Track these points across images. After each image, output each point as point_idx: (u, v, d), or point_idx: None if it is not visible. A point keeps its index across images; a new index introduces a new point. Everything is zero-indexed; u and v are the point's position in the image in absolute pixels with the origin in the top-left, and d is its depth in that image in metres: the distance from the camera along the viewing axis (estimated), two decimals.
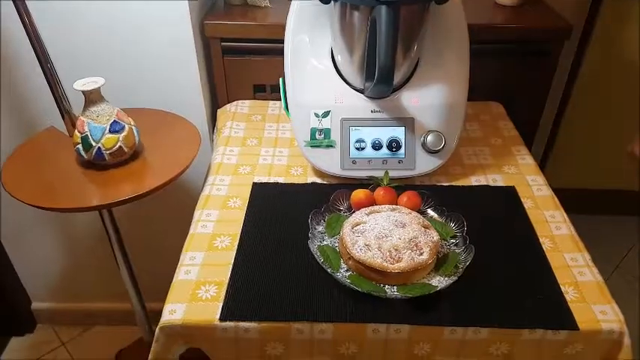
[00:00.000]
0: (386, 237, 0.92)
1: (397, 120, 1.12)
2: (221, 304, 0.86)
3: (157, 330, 0.85)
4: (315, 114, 1.12)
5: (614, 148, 1.90)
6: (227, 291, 0.89)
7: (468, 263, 0.91)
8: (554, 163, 1.92)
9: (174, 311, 0.85)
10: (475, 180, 1.16)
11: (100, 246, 1.68)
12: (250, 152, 1.25)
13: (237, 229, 1.01)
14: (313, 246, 0.95)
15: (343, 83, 1.12)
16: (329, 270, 0.90)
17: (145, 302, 1.50)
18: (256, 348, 0.87)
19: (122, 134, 1.05)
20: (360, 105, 1.12)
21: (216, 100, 1.48)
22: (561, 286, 0.90)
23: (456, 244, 0.98)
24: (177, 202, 1.57)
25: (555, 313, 0.86)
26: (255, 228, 1.01)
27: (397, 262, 0.89)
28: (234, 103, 1.44)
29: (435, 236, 0.94)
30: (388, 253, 0.89)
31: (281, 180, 1.15)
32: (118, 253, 1.31)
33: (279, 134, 1.31)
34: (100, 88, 1.03)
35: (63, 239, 1.72)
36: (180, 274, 0.92)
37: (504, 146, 1.27)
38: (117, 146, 1.04)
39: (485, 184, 1.14)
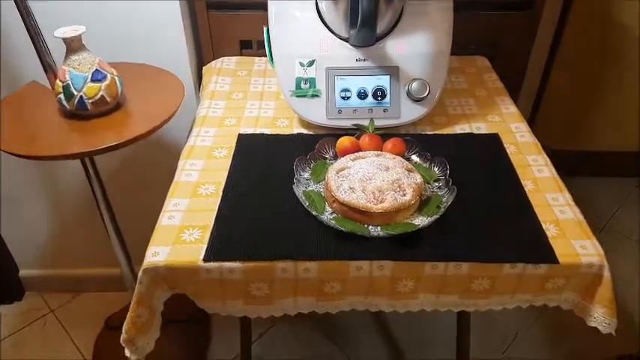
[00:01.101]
0: (370, 179, 0.93)
1: (382, 68, 1.12)
2: (205, 245, 0.87)
3: (140, 272, 0.86)
4: (300, 63, 1.11)
5: (600, 108, 1.91)
6: (211, 234, 0.90)
7: (449, 203, 0.92)
8: (542, 122, 1.93)
9: (157, 253, 0.86)
10: (459, 129, 1.16)
11: (88, 212, 1.68)
12: (236, 105, 1.24)
13: (222, 177, 1.02)
14: (298, 191, 0.96)
15: (328, 32, 1.12)
16: (314, 212, 0.91)
17: (134, 266, 1.50)
18: (241, 289, 0.88)
19: (104, 83, 1.04)
20: (345, 54, 1.12)
21: (202, 57, 1.47)
22: (542, 224, 0.91)
23: (439, 187, 0.99)
24: (165, 165, 1.56)
25: (536, 248, 0.87)
26: (240, 176, 1.02)
27: (380, 202, 0.90)
28: (220, 59, 1.43)
29: (419, 179, 0.95)
30: (372, 195, 0.90)
31: (267, 131, 1.15)
32: (105, 213, 1.31)
33: (266, 88, 1.31)
34: (80, 35, 1.02)
35: (51, 206, 1.72)
36: (164, 220, 0.93)
37: (489, 97, 1.27)
38: (99, 95, 1.03)
39: (469, 132, 1.15)
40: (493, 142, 1.12)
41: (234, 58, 1.43)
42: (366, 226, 0.91)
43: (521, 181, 1.01)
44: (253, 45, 1.45)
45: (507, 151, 1.09)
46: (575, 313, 0.93)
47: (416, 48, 1.11)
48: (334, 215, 0.93)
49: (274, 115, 1.21)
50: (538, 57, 1.51)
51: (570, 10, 1.65)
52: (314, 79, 1.12)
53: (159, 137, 1.54)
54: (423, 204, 0.95)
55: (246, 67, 1.40)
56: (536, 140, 1.12)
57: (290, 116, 1.20)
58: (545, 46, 1.55)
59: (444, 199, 0.95)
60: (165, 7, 1.33)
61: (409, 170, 0.97)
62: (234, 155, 1.08)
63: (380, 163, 0.96)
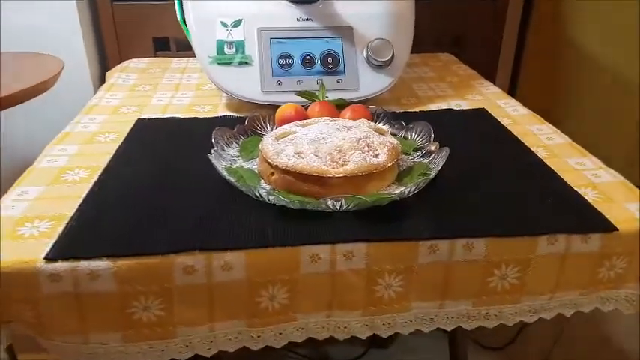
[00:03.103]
0: (325, 139, 0.62)
1: (332, 30, 0.86)
2: (53, 240, 0.52)
3: None
4: (222, 23, 0.84)
5: (577, 98, 1.66)
6: (67, 224, 0.54)
7: (440, 166, 0.62)
8: None
9: None
10: (436, 107, 0.90)
11: None
12: (140, 95, 0.94)
13: (101, 162, 0.68)
14: (219, 165, 0.64)
15: None
16: (242, 187, 0.58)
17: None
18: (115, 309, 0.51)
19: None
20: (283, 12, 0.86)
21: (106, 59, 1.18)
22: (576, 189, 0.62)
23: (423, 156, 0.70)
24: None
25: (579, 214, 0.58)
26: (129, 159, 0.69)
27: (342, 166, 0.59)
28: (127, 62, 1.14)
29: (394, 140, 0.66)
30: (329, 157, 0.60)
31: (179, 117, 0.84)
32: None
33: (184, 81, 1.02)
34: None
35: None
36: None
37: (463, 81, 1.04)
38: None
39: (448, 108, 0.89)
40: (482, 115, 0.86)
41: (146, 60, 1.15)
42: (322, 200, 0.59)
43: (531, 148, 0.73)
44: (171, 45, 1.18)
45: (502, 123, 0.82)
46: None
47: (373, 4, 0.88)
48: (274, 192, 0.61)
49: (192, 102, 0.91)
50: (507, 49, 1.32)
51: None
52: (242, 42, 0.84)
53: None
54: (403, 174, 0.65)
55: (160, 65, 1.11)
56: (534, 112, 0.87)
57: (214, 102, 0.90)
58: (513, 35, 1.35)
59: (432, 166, 0.66)
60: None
61: (380, 132, 0.68)
62: (125, 139, 0.75)
63: (338, 124, 0.66)
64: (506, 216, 0.57)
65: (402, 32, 0.88)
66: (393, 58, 0.85)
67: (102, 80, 1.15)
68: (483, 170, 0.66)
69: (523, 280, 0.56)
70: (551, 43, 1.42)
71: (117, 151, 0.71)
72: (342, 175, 0.58)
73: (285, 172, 0.60)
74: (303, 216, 0.56)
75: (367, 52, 0.85)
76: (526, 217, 0.57)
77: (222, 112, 0.87)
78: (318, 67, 0.85)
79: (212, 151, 0.65)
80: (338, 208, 0.56)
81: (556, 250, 0.55)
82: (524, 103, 0.91)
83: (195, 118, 0.83)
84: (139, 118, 0.82)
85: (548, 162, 0.69)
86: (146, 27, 1.15)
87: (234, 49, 0.84)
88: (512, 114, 0.86)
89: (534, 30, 1.38)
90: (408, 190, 0.58)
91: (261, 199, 0.57)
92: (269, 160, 0.61)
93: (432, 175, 0.61)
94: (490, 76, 1.19)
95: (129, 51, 1.16)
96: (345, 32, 0.86)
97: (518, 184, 0.63)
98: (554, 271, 0.56)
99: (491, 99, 0.93)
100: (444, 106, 0.90)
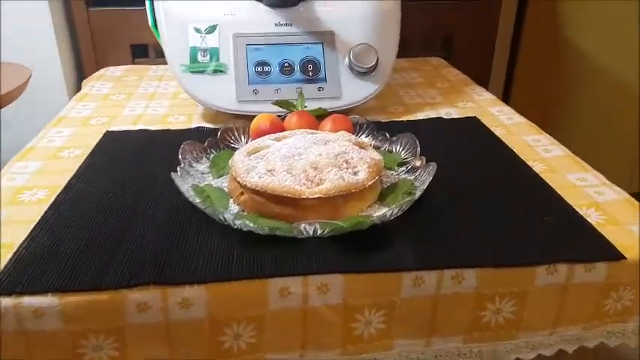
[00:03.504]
0: (299, 155, 0.57)
1: (312, 35, 0.81)
2: None
3: None
4: (195, 29, 0.79)
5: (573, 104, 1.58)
6: (15, 254, 0.49)
7: (427, 184, 0.57)
8: None
9: None
10: (424, 116, 0.85)
11: None
12: (112, 104, 0.88)
13: (62, 180, 0.63)
14: (184, 184, 0.58)
15: None
16: (206, 210, 0.53)
17: None
18: (64, 349, 0.46)
19: None
20: (259, 17, 0.81)
21: (82, 67, 1.13)
22: (577, 209, 0.57)
23: (408, 172, 0.64)
24: None
25: (582, 239, 0.52)
26: (91, 177, 0.63)
27: (318, 185, 0.54)
28: (104, 70, 1.09)
29: (376, 155, 0.60)
30: (304, 175, 0.54)
31: (151, 128, 0.79)
32: None
33: (160, 90, 0.97)
34: None
35: None
36: None
37: (454, 87, 0.99)
38: None
39: (437, 117, 0.84)
40: (473, 125, 0.80)
41: (122, 68, 1.09)
42: (295, 224, 0.53)
43: (527, 162, 0.68)
44: (150, 51, 1.13)
45: (496, 133, 0.77)
46: None
47: (355, 7, 0.82)
48: (243, 214, 0.55)
49: (166, 112, 0.86)
50: (501, 51, 1.26)
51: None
52: (216, 49, 0.79)
53: None
54: (385, 193, 0.59)
55: (138, 73, 1.06)
56: (529, 121, 0.82)
57: (189, 112, 0.85)
58: (507, 36, 1.29)
59: (417, 183, 0.60)
60: (30, 6, 1.01)
61: (360, 146, 0.62)
62: (89, 154, 0.69)
63: (316, 138, 0.61)
64: (499, 243, 0.51)
65: (387, 36, 0.83)
66: (377, 64, 0.80)
67: (78, 89, 1.10)
68: (474, 188, 0.61)
69: (520, 314, 0.51)
70: (547, 45, 1.37)
71: (79, 168, 0.65)
72: (317, 195, 0.53)
73: (256, 192, 0.54)
74: (273, 243, 0.50)
75: (350, 58, 0.80)
76: (522, 244, 0.51)
77: (196, 122, 0.81)
78: (297, 74, 0.80)
79: (178, 168, 0.60)
80: (312, 233, 0.51)
81: (557, 281, 0.50)
82: (519, 108, 0.86)
83: (166, 130, 0.78)
84: (107, 131, 0.77)
85: (546, 177, 0.64)
86: (123, 33, 1.10)
87: (208, 57, 0.78)
88: (507, 123, 0.81)
89: (529, 31, 1.32)
90: (390, 212, 0.52)
91: (227, 223, 0.52)
92: (238, 179, 0.56)
93: (417, 194, 0.56)
94: (483, 80, 1.14)
95: (106, 58, 1.11)
96: (326, 37, 0.81)
97: (514, 204, 0.58)
98: (554, 304, 0.51)
99: (484, 106, 0.88)
100: (433, 114, 0.85)
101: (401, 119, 0.83)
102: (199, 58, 0.78)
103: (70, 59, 1.12)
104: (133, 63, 1.13)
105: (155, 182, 0.61)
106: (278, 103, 0.73)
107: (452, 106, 0.88)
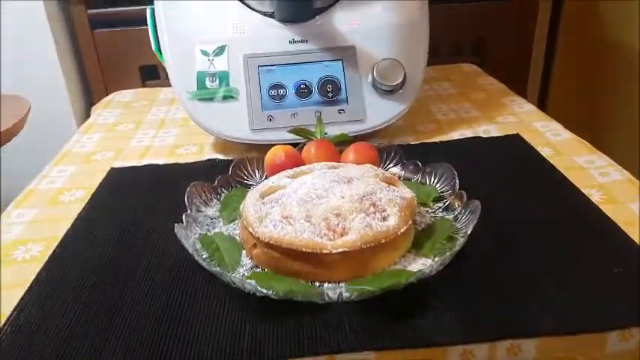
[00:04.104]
0: (319, 198, 0.49)
1: (330, 51, 0.73)
2: None
3: None
4: (202, 51, 0.72)
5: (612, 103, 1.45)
6: (3, 328, 0.43)
7: (470, 230, 0.48)
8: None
9: None
10: (459, 135, 0.76)
11: None
12: (118, 136, 0.83)
13: (59, 231, 0.57)
14: (191, 233, 0.51)
15: (244, 6, 0.74)
16: (212, 269, 0.46)
17: None
18: None
19: None
20: (272, 34, 0.74)
21: (91, 92, 1.08)
22: None
23: (446, 209, 0.56)
24: None
25: None
26: (88, 228, 0.57)
27: (341, 235, 0.46)
28: (113, 94, 1.03)
29: (407, 193, 0.52)
30: (324, 223, 0.47)
31: (160, 162, 0.73)
32: None
33: (170, 115, 0.91)
34: None
35: None
36: None
37: (491, 98, 0.89)
38: None
39: (474, 136, 0.75)
40: (516, 144, 0.71)
41: (132, 92, 1.04)
42: (316, 284, 0.46)
43: (581, 192, 0.59)
44: (160, 72, 1.07)
45: (541, 154, 0.68)
46: None
47: (377, 18, 0.74)
48: (255, 271, 0.48)
49: (175, 141, 0.79)
50: (537, 54, 1.15)
51: None
52: (226, 73, 0.72)
53: None
54: (420, 238, 0.51)
55: (148, 97, 1.00)
56: (581, 139, 0.73)
57: (200, 142, 0.78)
58: (542, 38, 1.18)
59: (458, 225, 0.52)
60: (32, 29, 0.96)
61: (389, 182, 0.54)
62: (92, 197, 0.63)
63: (338, 175, 0.53)
64: (561, 303, 0.43)
65: (415, 48, 0.75)
66: (404, 80, 0.72)
67: (88, 116, 1.05)
68: (524, 229, 0.52)
69: None
70: (587, 45, 1.25)
71: (78, 216, 0.59)
72: (340, 250, 0.45)
73: (270, 245, 0.47)
74: (292, 306, 0.43)
75: (373, 75, 0.72)
76: (588, 304, 0.43)
77: (208, 153, 0.75)
78: (315, 96, 0.72)
79: (184, 216, 0.53)
80: (336, 298, 0.43)
81: (632, 347, 0.41)
82: (558, 115, 0.76)
83: (175, 164, 0.71)
84: (111, 168, 0.71)
85: (606, 210, 0.55)
86: (132, 55, 1.04)
87: (217, 82, 0.72)
88: (554, 140, 0.72)
89: (566, 30, 1.20)
90: (430, 268, 0.44)
91: (235, 286, 0.45)
92: (249, 229, 0.49)
93: (460, 242, 0.47)
94: (519, 86, 1.04)
95: (115, 82, 1.05)
96: (346, 53, 0.73)
97: (573, 250, 0.49)
98: None
99: (526, 121, 0.79)
100: (469, 133, 0.76)
101: (433, 140, 0.74)
102: (207, 83, 0.72)
103: (77, 85, 1.07)
104: (143, 85, 1.07)
105: (158, 232, 0.55)
106: (294, 131, 0.66)
107: (490, 121, 0.79)
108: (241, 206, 0.54)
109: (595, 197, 0.57)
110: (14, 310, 0.45)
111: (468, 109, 0.85)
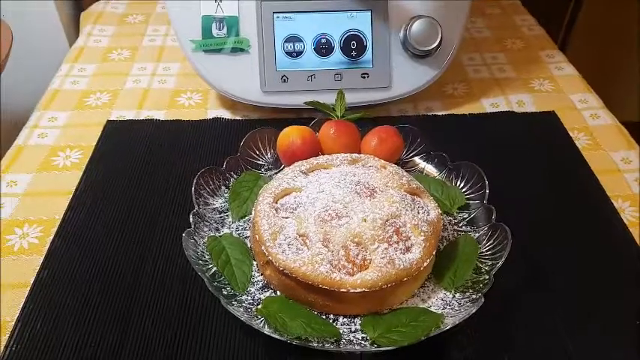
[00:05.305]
0: (339, 218, 0.45)
1: (357, 0, 0.63)
2: None
3: None
4: None
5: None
6: (7, 347, 0.42)
7: (500, 263, 0.46)
8: None
9: None
10: (490, 104, 0.69)
11: None
12: (112, 71, 0.74)
13: (58, 209, 0.53)
14: (199, 241, 0.48)
15: None
16: (219, 296, 0.43)
17: None
18: None
19: None
20: None
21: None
22: None
23: (469, 222, 0.53)
24: None
25: None
26: (88, 211, 0.53)
27: (361, 269, 0.44)
28: (103, 3, 0.91)
29: (432, 211, 0.49)
30: (343, 252, 0.44)
31: (160, 115, 0.66)
32: None
33: (168, 41, 0.81)
34: None
35: None
36: None
37: (527, 50, 0.80)
38: None
39: (506, 109, 0.68)
40: (551, 127, 0.65)
41: (124, 0, 0.91)
42: (332, 320, 0.44)
43: (611, 200, 0.55)
44: None
45: (577, 144, 0.62)
46: None
47: None
48: (267, 295, 0.46)
49: (176, 86, 0.72)
50: None
51: None
52: (235, 19, 0.62)
53: None
54: (441, 261, 0.49)
55: (143, 9, 0.89)
56: (617, 121, 0.67)
57: (205, 88, 0.71)
58: None
59: (483, 248, 0.49)
60: None
61: (413, 193, 0.50)
62: (88, 165, 0.58)
63: (358, 182, 0.49)
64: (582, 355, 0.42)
65: (455, 5, 0.64)
66: (440, 44, 0.63)
67: (77, 24, 0.93)
68: (550, 257, 0.50)
69: None
70: None
71: (76, 192, 0.55)
72: (360, 289, 0.43)
73: (284, 272, 0.45)
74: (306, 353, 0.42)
75: (405, 35, 0.63)
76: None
77: (212, 107, 0.68)
78: (337, 54, 0.63)
79: (191, 216, 0.49)
80: (356, 349, 0.42)
81: None
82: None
83: (180, 122, 0.65)
84: (108, 121, 0.64)
85: (636, 232, 0.52)
86: None
87: (224, 30, 0.62)
88: (591, 124, 0.66)
89: None
90: (454, 319, 0.42)
91: (245, 318, 0.43)
92: (263, 248, 0.46)
93: (491, 280, 0.45)
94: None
95: None
96: (376, 2, 0.63)
97: (597, 289, 0.47)
98: None
99: (565, 90, 0.71)
100: (501, 103, 0.69)
101: (462, 111, 0.68)
102: (214, 31, 0.62)
103: None
104: None
105: (165, 220, 0.52)
106: (312, 103, 0.59)
107: (525, 87, 0.72)
108: (253, 209, 0.50)
109: (627, 214, 0.54)
110: (18, 319, 0.44)
111: (502, 65, 0.76)
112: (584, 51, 1.19)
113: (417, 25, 0.62)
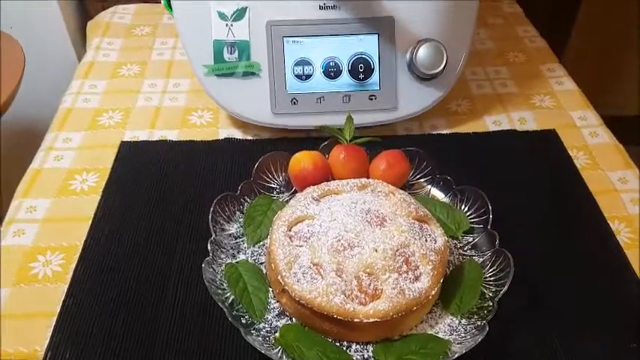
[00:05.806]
0: (351, 248, 0.48)
1: (365, 23, 0.64)
2: None
3: None
4: (219, 14, 0.63)
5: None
6: None
7: (504, 290, 0.49)
8: None
9: None
10: (492, 121, 0.71)
11: None
12: (123, 88, 0.76)
13: (78, 235, 0.55)
14: (217, 269, 0.51)
15: None
16: (238, 326, 0.46)
17: None
18: None
19: None
20: None
21: (85, 5, 0.96)
22: None
23: (473, 246, 0.55)
24: None
25: None
26: (108, 236, 0.55)
27: (373, 298, 0.46)
28: (112, 9, 0.92)
29: (439, 238, 0.51)
30: (356, 282, 0.46)
31: (173, 135, 0.68)
32: None
33: (177, 55, 0.82)
34: None
35: None
36: None
37: (529, 64, 0.82)
38: None
39: (509, 127, 0.70)
40: (551, 146, 0.67)
41: (132, 7, 0.92)
42: (344, 347, 0.47)
43: (608, 221, 0.58)
44: None
45: (576, 163, 0.65)
46: None
47: None
48: (283, 322, 0.49)
49: (187, 102, 0.73)
50: None
51: None
52: (246, 43, 0.63)
53: None
54: (448, 287, 0.51)
55: (151, 20, 0.89)
56: (616, 140, 0.69)
57: (214, 106, 0.72)
58: None
59: (487, 274, 0.52)
60: None
61: (420, 220, 0.52)
62: (104, 190, 0.60)
63: (368, 210, 0.51)
64: None
65: (460, 22, 0.66)
66: (445, 67, 0.64)
67: (83, 34, 0.93)
68: (547, 282, 0.53)
69: None
70: None
71: (97, 217, 0.57)
72: (373, 319, 0.45)
73: (300, 302, 0.47)
74: None
75: (412, 58, 0.64)
76: None
77: (224, 126, 0.70)
78: (345, 77, 0.65)
79: (209, 243, 0.52)
80: None
81: None
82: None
83: (192, 142, 0.67)
84: (122, 143, 0.66)
85: (631, 255, 0.54)
86: None
87: (236, 54, 0.64)
88: (590, 143, 0.68)
89: None
90: (460, 347, 0.45)
91: (263, 349, 0.46)
92: (279, 277, 0.48)
93: (494, 308, 0.48)
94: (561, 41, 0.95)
95: None
96: (382, 25, 0.64)
97: (593, 314, 0.50)
98: None
99: (565, 107, 0.73)
100: (503, 121, 0.71)
101: (464, 129, 0.70)
102: (226, 55, 0.63)
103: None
104: (145, 0, 0.95)
105: (183, 243, 0.54)
106: (323, 127, 0.61)
107: (527, 104, 0.74)
108: (268, 237, 0.52)
109: (623, 235, 0.57)
110: (47, 350, 0.46)
111: (504, 80, 0.78)
112: (584, 50, 1.21)
113: (423, 50, 0.64)
